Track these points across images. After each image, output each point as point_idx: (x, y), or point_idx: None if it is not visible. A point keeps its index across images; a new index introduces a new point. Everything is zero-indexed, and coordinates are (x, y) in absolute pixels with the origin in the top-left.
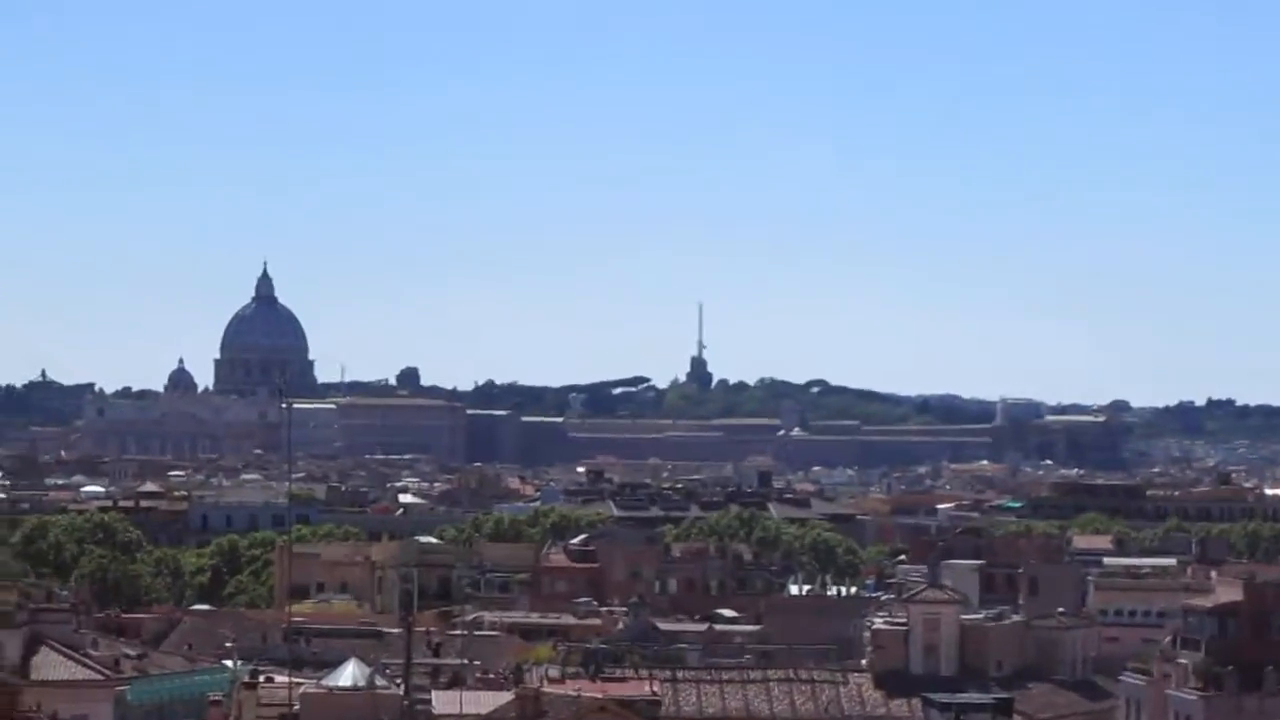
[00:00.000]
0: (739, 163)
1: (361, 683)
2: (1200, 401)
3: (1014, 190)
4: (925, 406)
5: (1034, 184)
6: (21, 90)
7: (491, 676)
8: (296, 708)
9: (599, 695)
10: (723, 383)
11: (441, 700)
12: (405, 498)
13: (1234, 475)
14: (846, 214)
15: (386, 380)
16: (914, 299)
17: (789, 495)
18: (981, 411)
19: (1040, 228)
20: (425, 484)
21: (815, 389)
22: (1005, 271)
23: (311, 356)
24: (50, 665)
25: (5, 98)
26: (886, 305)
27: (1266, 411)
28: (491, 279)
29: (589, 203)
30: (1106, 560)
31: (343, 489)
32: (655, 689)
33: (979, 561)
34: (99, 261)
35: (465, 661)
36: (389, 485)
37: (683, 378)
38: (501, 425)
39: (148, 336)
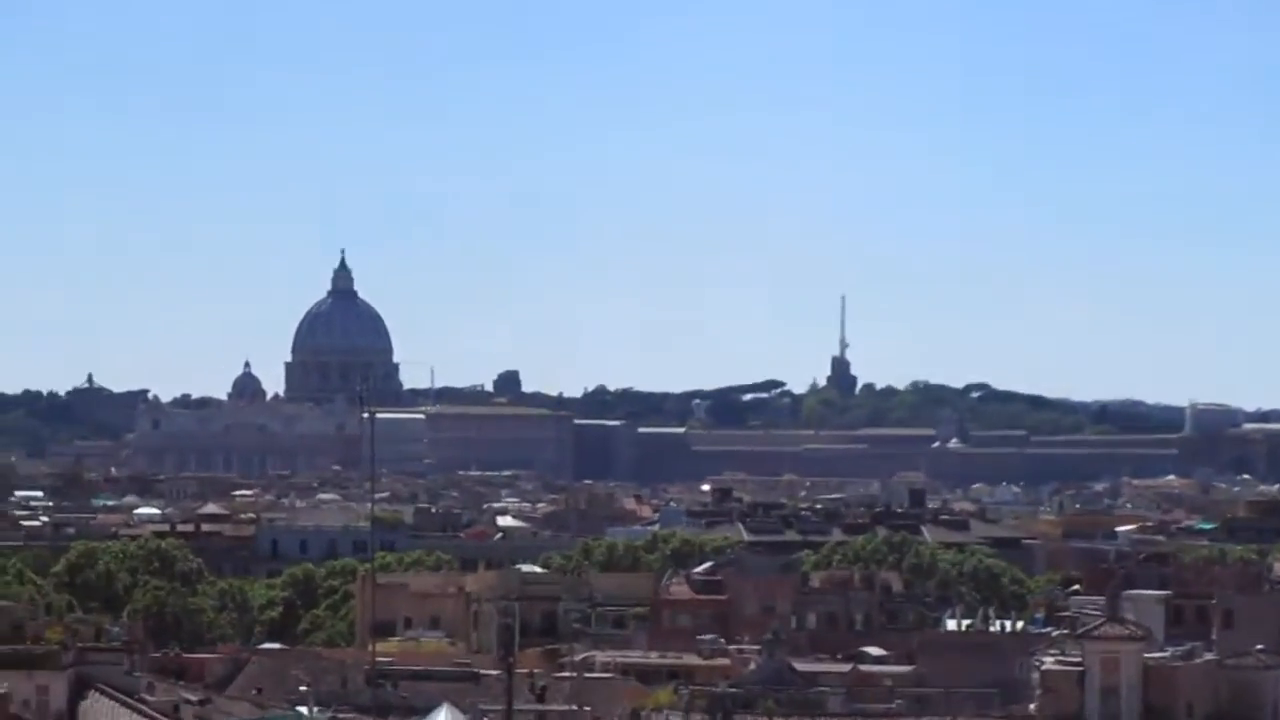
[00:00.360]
0: (884, 139)
1: None
2: None
3: (1208, 169)
4: (1103, 414)
5: (1231, 163)
6: (66, 74)
7: None
8: None
9: None
10: (868, 387)
11: None
12: (504, 520)
13: None
14: (1010, 194)
15: (482, 386)
16: (1090, 290)
17: (945, 516)
18: (1168, 419)
19: (1235, 210)
20: (527, 505)
21: (975, 394)
22: (1194, 260)
23: (397, 359)
24: (100, 712)
25: (51, 83)
26: (1058, 297)
27: None
28: (603, 271)
29: (714, 185)
30: None
31: (433, 510)
32: None
33: (1165, 592)
34: (153, 253)
35: (575, 708)
36: (486, 506)
37: (822, 382)
38: (615, 437)
39: (209, 336)
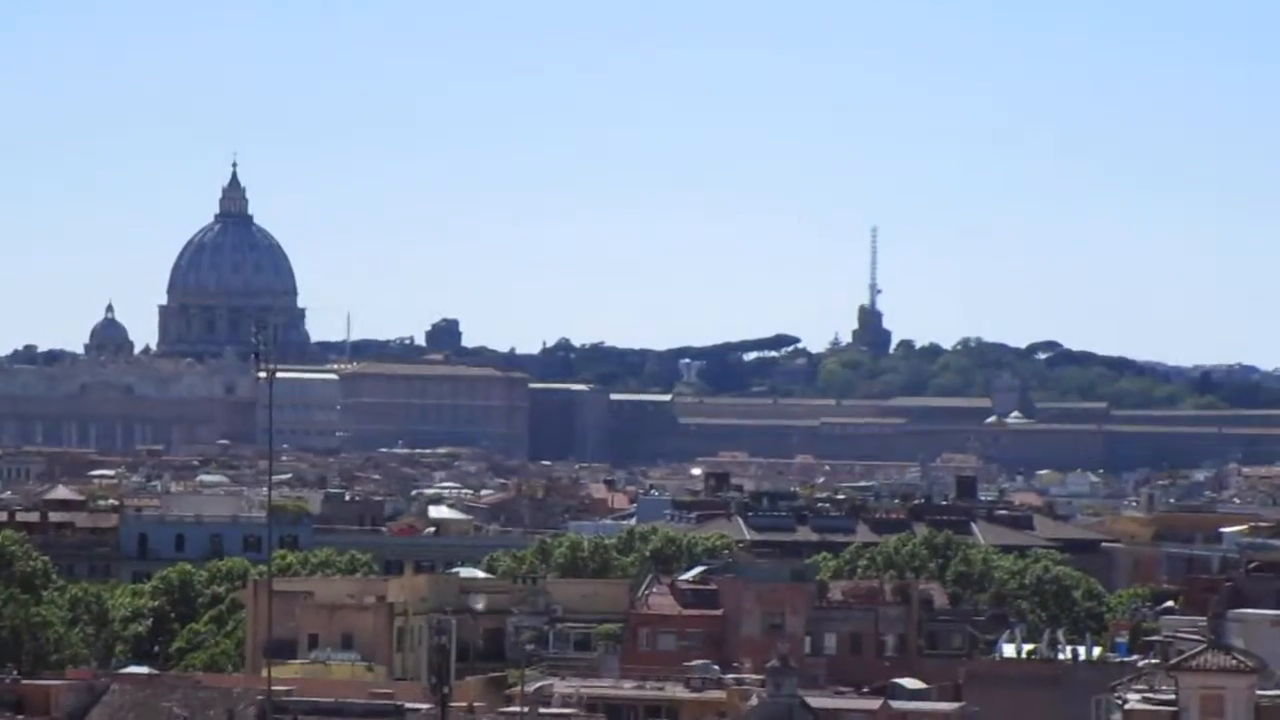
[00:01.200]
0: (921, 31)
1: None
2: None
3: None
4: (1206, 382)
5: None
6: None
7: None
8: None
9: None
10: (906, 345)
11: None
12: (439, 511)
13: None
14: (1087, 104)
15: (411, 339)
16: (1185, 226)
17: (1002, 511)
18: None
19: None
20: (468, 491)
21: (1042, 355)
22: None
23: (303, 304)
24: None
25: None
26: (1148, 236)
27: None
28: (568, 195)
29: (708, 93)
30: None
31: (347, 498)
32: None
33: None
34: None
35: None
36: (415, 493)
37: (846, 337)
38: (581, 405)
39: (61, 274)
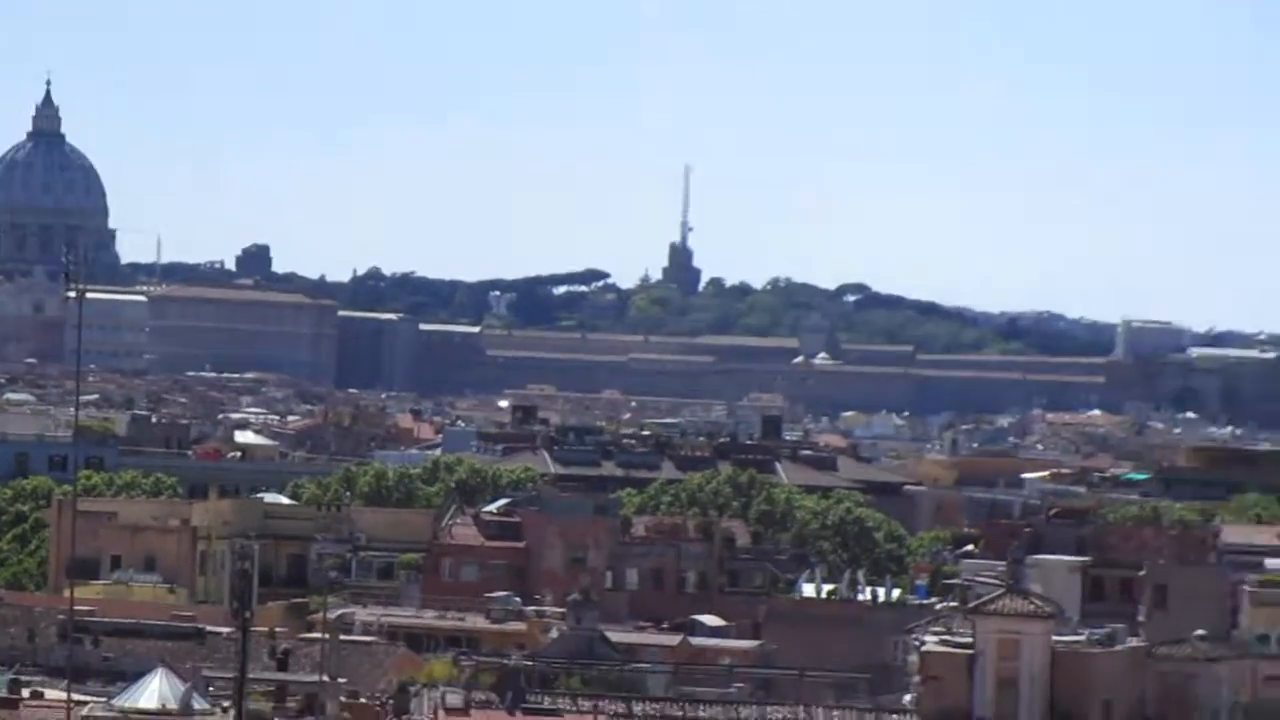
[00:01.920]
0: None
1: (172, 704)
2: None
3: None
4: (1012, 329)
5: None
6: None
7: (363, 702)
8: None
9: None
10: (716, 283)
11: None
12: (245, 436)
13: None
14: (908, 37)
15: (221, 263)
16: (1001, 172)
17: (807, 452)
18: (1094, 339)
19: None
20: (274, 417)
21: (850, 297)
22: (1137, 142)
23: (113, 224)
24: None
25: None
26: (959, 179)
27: None
28: (381, 119)
29: (522, 21)
30: (1270, 563)
31: (154, 420)
32: None
33: (1082, 558)
34: None
35: (325, 679)
36: (221, 417)
37: (657, 274)
38: (389, 335)
39: None
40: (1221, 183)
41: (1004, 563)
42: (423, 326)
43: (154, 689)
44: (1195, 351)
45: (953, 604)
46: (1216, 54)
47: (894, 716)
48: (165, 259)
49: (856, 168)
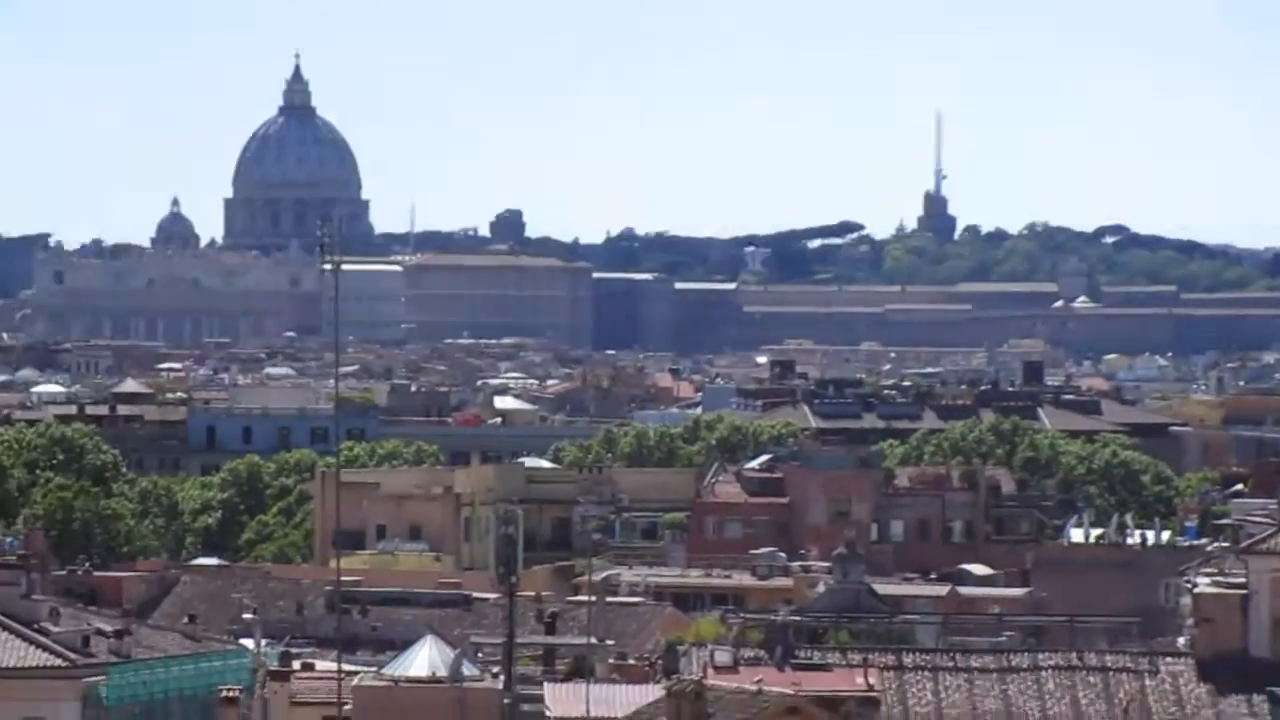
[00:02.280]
0: None
1: (442, 671)
2: None
3: None
4: (1277, 264)
5: None
6: None
7: (632, 663)
8: (348, 706)
9: (789, 691)
10: (972, 231)
11: (559, 697)
12: (504, 402)
13: None
14: None
15: (475, 230)
16: (1258, 105)
17: (1070, 397)
18: None
19: None
20: (534, 382)
21: (1110, 239)
22: None
23: (367, 195)
24: None
25: None
26: (1215, 114)
27: None
28: (631, 83)
29: None
30: None
31: (413, 389)
32: (873, 681)
33: None
34: (55, 63)
35: (593, 640)
36: (481, 384)
37: (912, 224)
38: (645, 295)
39: (127, 167)
40: None
41: (1274, 501)
42: (678, 285)
43: (423, 657)
44: None
45: (1224, 544)
46: None
47: (1168, 660)
48: (419, 228)
49: (1110, 106)
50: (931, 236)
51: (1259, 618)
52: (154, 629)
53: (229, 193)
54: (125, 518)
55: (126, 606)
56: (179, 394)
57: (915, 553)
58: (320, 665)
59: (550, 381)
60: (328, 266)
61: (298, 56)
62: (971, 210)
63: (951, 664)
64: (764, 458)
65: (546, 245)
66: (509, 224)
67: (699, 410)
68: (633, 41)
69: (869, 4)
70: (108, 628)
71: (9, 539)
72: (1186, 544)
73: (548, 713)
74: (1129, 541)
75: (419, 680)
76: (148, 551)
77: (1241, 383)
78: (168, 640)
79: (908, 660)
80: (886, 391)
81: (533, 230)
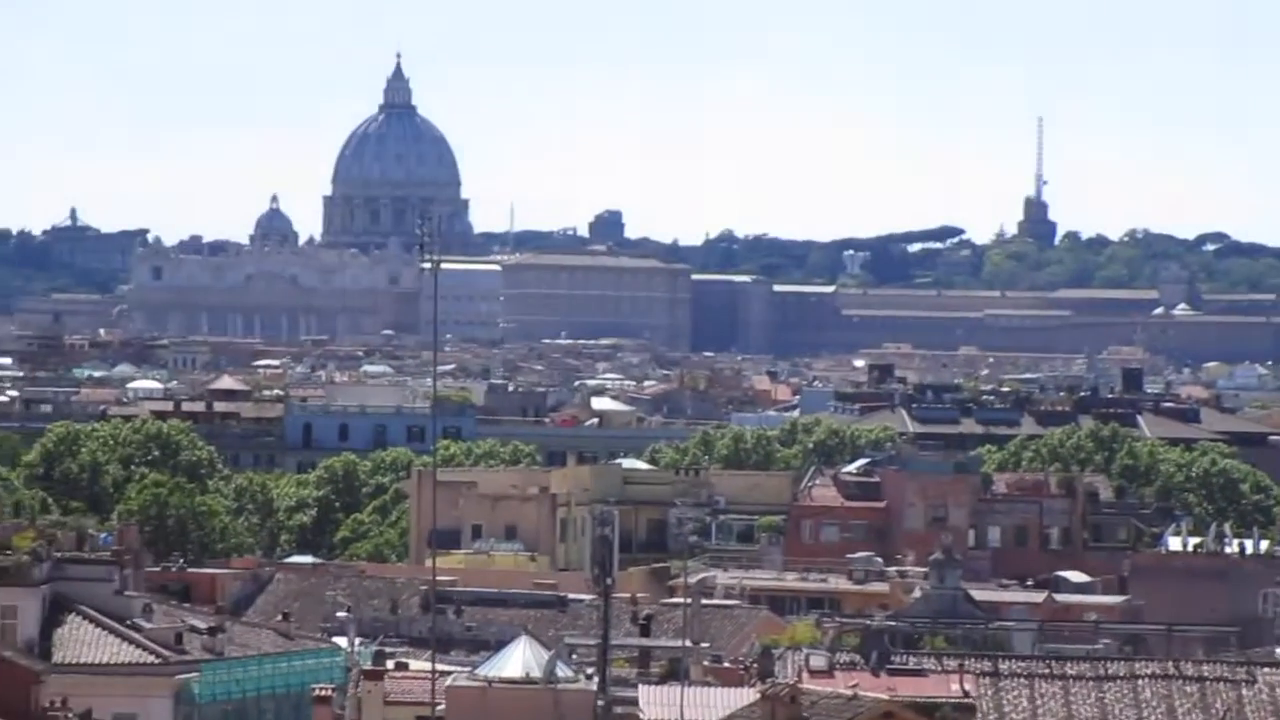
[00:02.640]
0: None
1: (536, 672)
2: None
3: None
4: None
5: None
6: None
7: (727, 665)
8: (441, 707)
9: (884, 695)
10: (1072, 236)
11: (654, 699)
12: (601, 402)
13: None
14: None
15: (574, 230)
16: None
17: (1169, 404)
18: None
19: None
20: (631, 382)
21: (1210, 246)
22: None
23: (466, 195)
24: (82, 641)
25: None
26: None
27: None
28: (732, 84)
29: None
30: None
31: (511, 389)
32: (968, 687)
33: None
34: (156, 58)
35: (689, 643)
36: (578, 384)
37: (1012, 229)
38: (744, 297)
39: (227, 164)
40: None
41: None
42: (776, 288)
43: (518, 658)
44: None
45: None
46: None
47: (1266, 670)
48: (518, 227)
49: (1212, 112)
50: (1032, 242)
51: None
52: (247, 626)
53: (328, 190)
54: (220, 514)
55: (220, 604)
56: (275, 391)
57: (1012, 559)
58: (414, 665)
59: (647, 383)
60: (426, 265)
61: (399, 55)
62: (1072, 216)
63: (1047, 671)
64: (861, 461)
65: (645, 246)
66: (608, 224)
67: (796, 413)
68: (735, 42)
69: (973, 5)
70: (201, 625)
71: (104, 535)
72: None
73: (641, 715)
74: (1227, 550)
75: (513, 681)
76: (242, 549)
77: None
78: (261, 638)
79: (1003, 667)
80: (985, 397)
81: (632, 231)
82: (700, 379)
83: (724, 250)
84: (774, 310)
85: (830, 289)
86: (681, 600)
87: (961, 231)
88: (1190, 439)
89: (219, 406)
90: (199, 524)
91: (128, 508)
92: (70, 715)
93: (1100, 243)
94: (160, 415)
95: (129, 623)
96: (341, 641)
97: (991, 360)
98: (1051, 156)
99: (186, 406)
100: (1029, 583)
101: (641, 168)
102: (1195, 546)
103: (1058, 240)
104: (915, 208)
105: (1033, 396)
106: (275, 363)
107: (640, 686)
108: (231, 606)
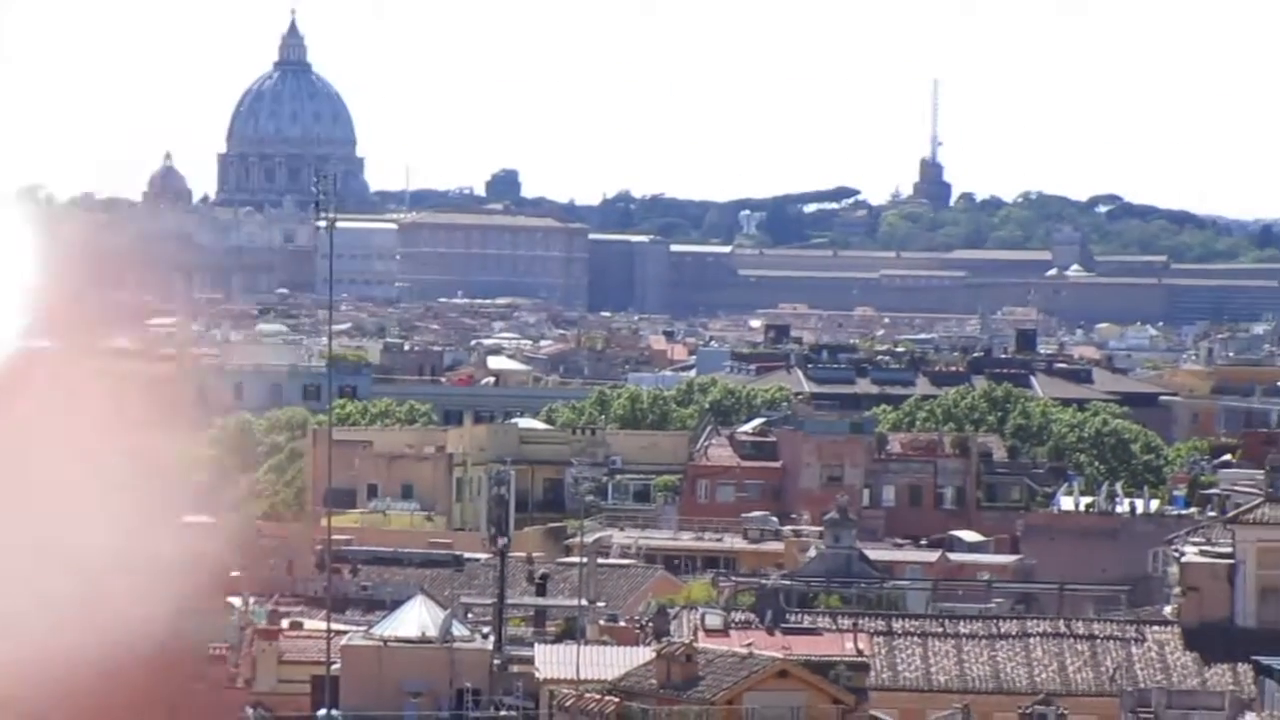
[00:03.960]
0: None
1: (432, 631)
2: None
3: None
4: (1267, 236)
5: None
6: None
7: (623, 625)
8: (336, 665)
9: (778, 654)
10: (967, 198)
11: (550, 658)
12: (498, 362)
13: None
14: None
15: (471, 190)
16: (1249, 80)
17: (1062, 365)
18: None
19: None
20: (527, 342)
21: (1103, 208)
22: None
23: (362, 153)
24: None
25: None
26: (1211, 85)
27: None
28: (628, 43)
29: None
30: None
31: (407, 348)
32: (862, 646)
33: None
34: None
35: (584, 602)
36: (474, 343)
37: (907, 190)
38: (641, 257)
39: (118, 122)
40: None
41: (1262, 471)
42: (674, 248)
43: (413, 617)
44: None
45: (1211, 514)
46: None
47: (1155, 628)
48: (414, 186)
49: (1106, 75)
50: (927, 203)
51: (1245, 587)
52: None
53: (223, 148)
54: None
55: None
56: (169, 351)
57: (906, 518)
58: (309, 624)
59: (544, 342)
60: (322, 224)
61: (294, 12)
62: (967, 178)
63: (940, 630)
64: (757, 421)
65: (542, 206)
66: (505, 184)
67: (693, 373)
68: (632, 3)
69: None
70: None
71: None
72: (1175, 513)
73: (537, 674)
74: (1118, 510)
75: (408, 640)
76: None
77: (1231, 353)
78: None
79: (897, 626)
80: (880, 357)
81: (528, 190)
82: (597, 339)
83: (621, 210)
84: (671, 270)
85: (727, 249)
86: (578, 559)
87: (857, 192)
88: (1082, 399)
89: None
90: None
91: None
92: None
93: (995, 204)
94: None
95: None
96: (235, 601)
97: (887, 321)
98: (947, 118)
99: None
100: (923, 542)
101: (538, 127)
102: (1087, 506)
103: (953, 202)
104: (811, 169)
105: (927, 357)
106: (168, 321)
107: (536, 645)
108: None
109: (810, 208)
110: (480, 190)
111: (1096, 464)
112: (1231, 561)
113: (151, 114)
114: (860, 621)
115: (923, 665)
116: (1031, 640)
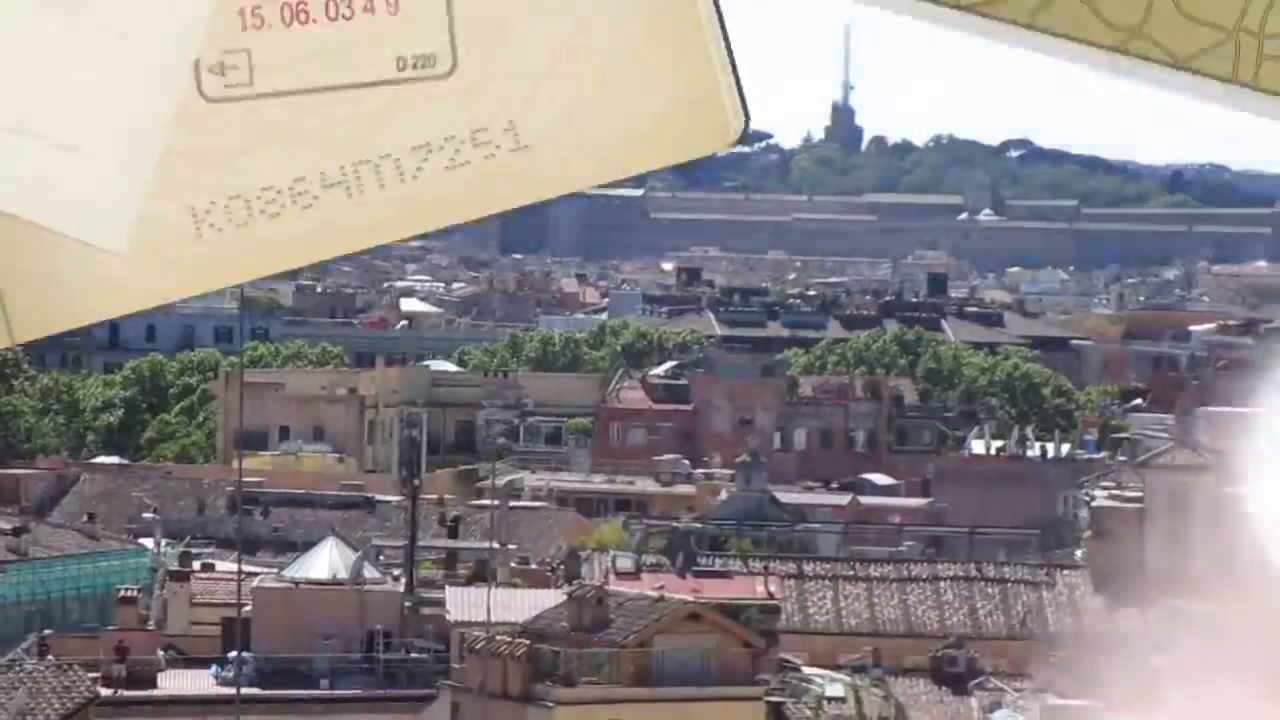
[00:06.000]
0: None
1: (343, 573)
2: None
3: None
4: (1177, 181)
5: None
6: None
7: (534, 567)
8: (248, 607)
9: (689, 597)
10: (878, 141)
11: (460, 600)
12: (410, 304)
13: None
14: None
15: None
16: None
17: (973, 309)
18: (1260, 190)
19: None
20: (439, 285)
21: (1014, 153)
22: None
23: None
24: None
25: None
26: None
27: None
28: None
29: None
30: None
31: (319, 289)
32: (773, 589)
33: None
34: None
35: (496, 545)
36: (386, 285)
37: (818, 134)
38: (552, 200)
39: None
40: None
41: (1172, 416)
42: (585, 190)
43: (324, 559)
44: None
45: (1122, 458)
46: None
47: (1065, 572)
48: None
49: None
50: (839, 147)
51: (1155, 531)
52: (53, 527)
53: None
54: (25, 415)
55: (25, 504)
56: None
57: (817, 461)
58: (220, 566)
59: (456, 285)
60: None
61: None
62: (878, 121)
63: (851, 573)
64: (669, 364)
65: None
66: None
67: (605, 316)
68: None
69: None
70: (6, 525)
71: None
72: (1085, 457)
73: (448, 616)
74: (1029, 453)
75: (320, 582)
76: (48, 449)
77: (1142, 297)
78: (66, 539)
79: (808, 569)
80: (792, 300)
81: None
82: (509, 281)
83: None
84: (583, 213)
85: (639, 192)
86: (489, 502)
87: (769, 136)
88: (993, 343)
89: None
90: (3, 424)
91: None
92: None
93: (906, 148)
94: None
95: None
96: (148, 542)
97: (798, 264)
98: (859, 63)
99: None
100: (834, 485)
101: None
102: (998, 450)
103: (864, 146)
104: None
105: (839, 300)
106: None
107: (447, 588)
108: (36, 507)
109: (722, 151)
110: None
111: (1007, 408)
112: (1141, 506)
113: None
114: (771, 565)
115: (834, 608)
116: (942, 584)
